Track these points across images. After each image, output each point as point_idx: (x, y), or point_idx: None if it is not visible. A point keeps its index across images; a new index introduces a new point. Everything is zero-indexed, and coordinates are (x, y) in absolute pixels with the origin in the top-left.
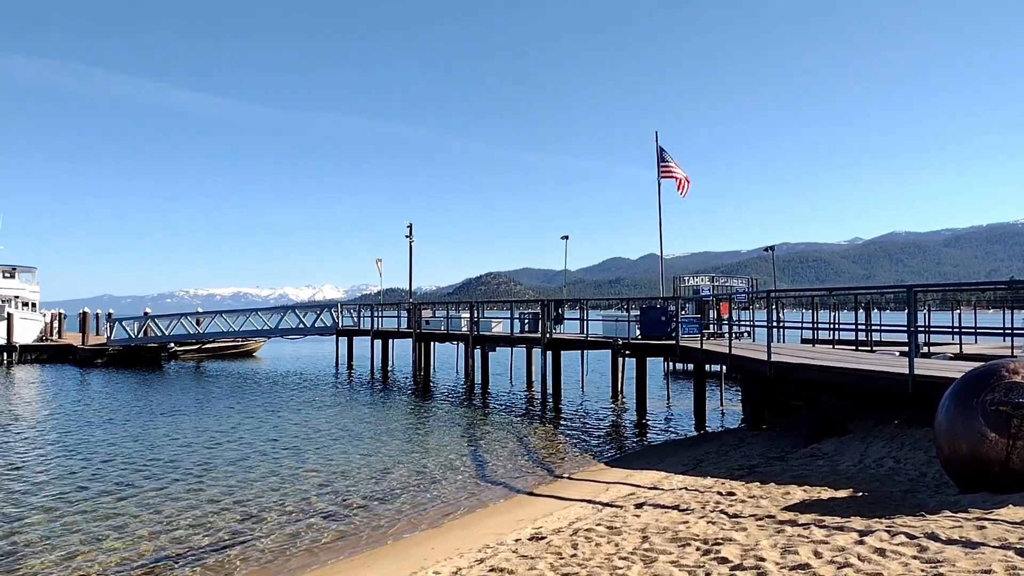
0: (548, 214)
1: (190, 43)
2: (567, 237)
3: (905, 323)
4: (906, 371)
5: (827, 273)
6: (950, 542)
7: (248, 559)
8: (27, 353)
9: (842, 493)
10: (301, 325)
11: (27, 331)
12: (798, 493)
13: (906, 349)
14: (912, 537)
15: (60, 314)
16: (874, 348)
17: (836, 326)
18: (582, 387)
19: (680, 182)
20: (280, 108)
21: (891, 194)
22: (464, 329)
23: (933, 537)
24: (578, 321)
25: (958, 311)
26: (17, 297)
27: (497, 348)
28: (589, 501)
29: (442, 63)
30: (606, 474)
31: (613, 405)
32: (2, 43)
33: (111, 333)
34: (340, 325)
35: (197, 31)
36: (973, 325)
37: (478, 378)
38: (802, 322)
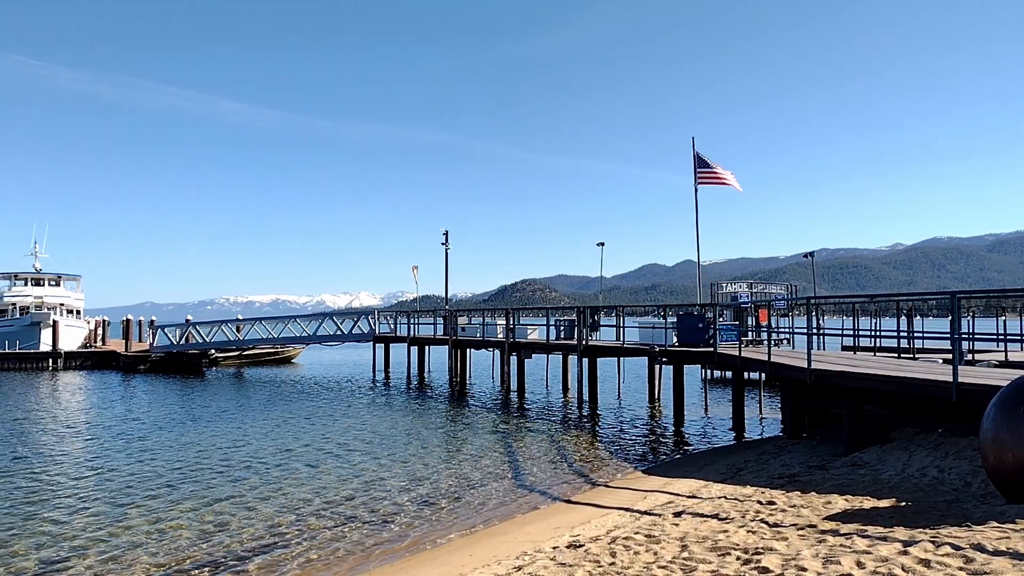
0: (583, 220)
1: (224, 52)
2: (603, 244)
3: (948, 330)
4: (950, 379)
5: (868, 279)
6: (997, 553)
7: (289, 563)
8: (72, 359)
9: (885, 503)
10: (339, 332)
11: (72, 338)
12: (840, 502)
13: (949, 356)
14: (958, 548)
15: (104, 321)
16: (916, 355)
17: (877, 333)
18: (619, 394)
19: (726, 182)
20: (317, 117)
21: (933, 198)
22: (500, 336)
23: (979, 548)
24: (614, 328)
25: (1003, 318)
26: (62, 304)
27: (533, 355)
28: (627, 509)
29: (478, 71)
30: (643, 482)
31: (650, 412)
32: (47, 54)
33: (153, 340)
34: (377, 332)
35: (232, 41)
36: (1019, 332)
37: (514, 385)
38: (843, 329)
